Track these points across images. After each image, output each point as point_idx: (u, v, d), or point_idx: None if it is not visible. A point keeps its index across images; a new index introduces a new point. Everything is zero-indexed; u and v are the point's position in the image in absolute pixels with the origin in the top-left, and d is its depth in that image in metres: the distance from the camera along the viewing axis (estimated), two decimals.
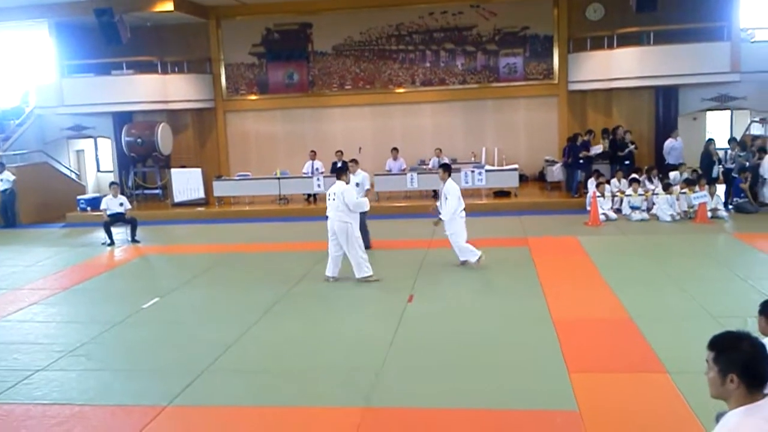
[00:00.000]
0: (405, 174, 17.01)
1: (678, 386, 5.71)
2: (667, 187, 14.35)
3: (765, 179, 14.67)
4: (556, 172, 17.79)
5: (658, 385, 5.85)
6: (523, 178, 18.45)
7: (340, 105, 20.50)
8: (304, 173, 17.62)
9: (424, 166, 17.89)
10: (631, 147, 16.63)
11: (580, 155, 16.36)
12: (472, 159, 18.56)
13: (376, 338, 7.34)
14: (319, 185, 16.82)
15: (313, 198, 17.68)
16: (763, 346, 2.66)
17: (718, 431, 2.59)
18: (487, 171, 16.90)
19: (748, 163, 14.76)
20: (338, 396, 5.91)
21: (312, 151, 17.68)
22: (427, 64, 19.98)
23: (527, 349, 6.91)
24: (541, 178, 19.14)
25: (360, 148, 17.57)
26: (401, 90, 20.16)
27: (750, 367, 2.59)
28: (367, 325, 7.93)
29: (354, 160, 12.75)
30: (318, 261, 11.44)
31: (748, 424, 2.54)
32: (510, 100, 19.78)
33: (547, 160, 18.53)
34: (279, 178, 17.61)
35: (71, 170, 21.02)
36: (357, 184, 11.92)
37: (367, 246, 11.66)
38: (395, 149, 17.95)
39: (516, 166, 17.67)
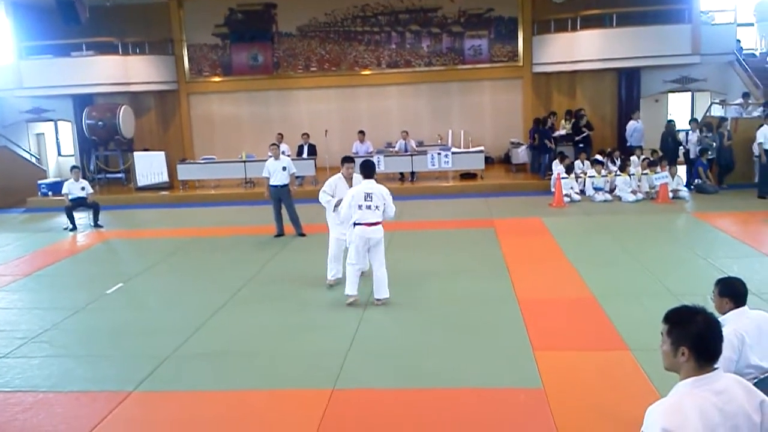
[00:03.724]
0: (372, 157, 16.98)
1: (640, 363, 5.83)
2: (623, 168, 14.59)
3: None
4: (521, 154, 17.93)
5: (620, 361, 5.97)
6: (488, 160, 18.59)
7: (305, 87, 20.39)
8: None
9: (391, 149, 17.89)
10: (585, 132, 16.82)
11: (545, 140, 16.51)
12: (439, 141, 18.63)
13: (343, 321, 7.35)
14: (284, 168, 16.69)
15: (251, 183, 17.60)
16: (716, 322, 2.72)
17: (667, 400, 2.65)
18: (453, 153, 16.97)
19: (714, 144, 15.03)
20: (305, 379, 5.92)
21: (279, 134, 17.51)
22: (393, 46, 19.94)
23: (492, 328, 6.99)
24: (506, 160, 19.27)
25: (326, 131, 17.48)
26: (367, 72, 20.10)
27: (701, 341, 2.66)
28: (333, 308, 7.93)
29: (274, 145, 12.69)
30: (285, 245, 11.42)
31: (695, 394, 2.61)
32: (475, 82, 19.86)
33: (512, 142, 18.66)
34: (245, 161, 17.47)
35: (31, 154, 20.58)
36: (284, 168, 11.92)
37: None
38: (362, 132, 17.90)
39: (482, 148, 17.78)
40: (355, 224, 7.67)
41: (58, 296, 9.04)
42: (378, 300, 7.81)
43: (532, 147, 17.23)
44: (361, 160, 8.23)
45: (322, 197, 8.65)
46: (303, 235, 11.82)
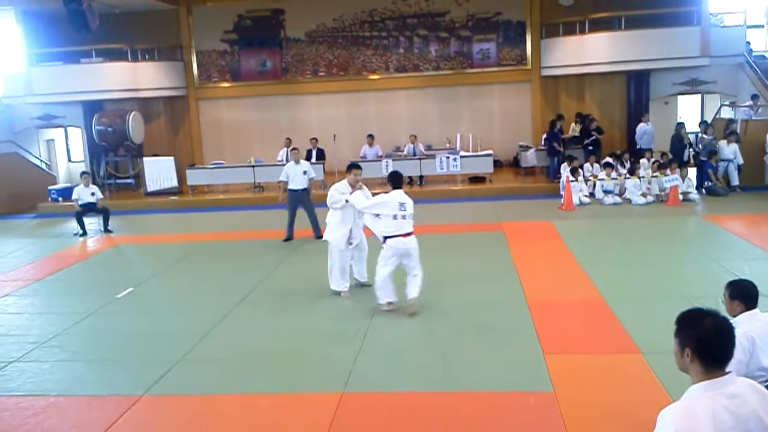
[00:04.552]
0: (380, 161, 16.98)
1: (651, 366, 5.80)
2: (633, 171, 14.53)
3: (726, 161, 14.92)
4: (530, 158, 17.88)
5: (631, 365, 5.94)
6: (497, 164, 18.55)
7: (314, 92, 20.42)
8: (279, 161, 17.53)
9: (400, 153, 17.89)
10: (594, 135, 16.77)
11: (553, 144, 16.47)
12: (447, 145, 18.62)
13: (352, 325, 7.35)
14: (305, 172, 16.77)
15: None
16: (727, 325, 2.69)
17: (679, 404, 2.64)
18: (461, 157, 16.96)
19: (718, 144, 14.96)
20: (315, 382, 5.92)
21: (287, 139, 17.56)
22: (401, 51, 19.95)
23: (502, 331, 6.97)
24: (515, 163, 19.23)
25: (335, 136, 17.50)
26: (375, 77, 20.11)
27: (704, 343, 2.64)
28: (342, 312, 7.93)
29: (295, 149, 12.68)
30: (294, 249, 11.43)
31: (707, 398, 2.60)
32: (484, 86, 19.84)
33: (521, 146, 18.62)
34: (253, 166, 17.51)
35: (42, 160, 20.71)
36: (304, 172, 11.92)
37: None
38: (371, 136, 17.91)
39: (491, 151, 17.74)
40: (386, 237, 7.49)
41: (69, 301, 9.08)
42: (411, 299, 7.58)
43: (547, 150, 17.14)
44: (391, 171, 8.01)
45: (333, 195, 8.28)
46: (321, 237, 11.77)
